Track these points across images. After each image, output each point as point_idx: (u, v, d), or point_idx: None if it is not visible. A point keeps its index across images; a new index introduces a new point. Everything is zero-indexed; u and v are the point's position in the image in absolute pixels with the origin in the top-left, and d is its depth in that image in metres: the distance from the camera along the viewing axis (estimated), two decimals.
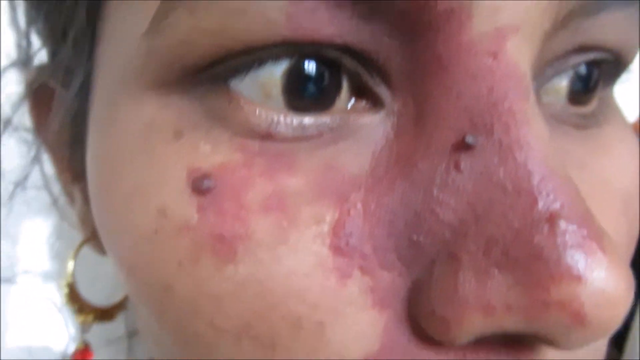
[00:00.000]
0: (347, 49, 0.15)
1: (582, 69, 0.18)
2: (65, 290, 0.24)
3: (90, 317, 0.25)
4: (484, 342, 0.15)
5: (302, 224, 0.15)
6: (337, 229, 0.15)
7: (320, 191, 0.15)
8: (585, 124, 0.19)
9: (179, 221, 0.15)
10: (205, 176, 0.15)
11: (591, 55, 0.18)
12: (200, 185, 0.15)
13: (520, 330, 0.14)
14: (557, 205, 0.13)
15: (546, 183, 0.14)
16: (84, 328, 0.25)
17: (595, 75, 0.19)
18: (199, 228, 0.15)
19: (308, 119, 0.15)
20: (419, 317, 0.15)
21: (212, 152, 0.15)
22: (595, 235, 0.13)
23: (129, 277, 0.16)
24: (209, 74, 0.15)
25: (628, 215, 0.19)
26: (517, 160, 0.14)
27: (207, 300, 0.15)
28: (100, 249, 0.24)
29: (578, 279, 0.13)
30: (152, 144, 0.16)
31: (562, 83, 0.18)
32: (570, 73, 0.18)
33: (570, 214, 0.13)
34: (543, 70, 0.17)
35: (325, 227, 0.15)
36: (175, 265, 0.15)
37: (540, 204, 0.13)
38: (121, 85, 0.17)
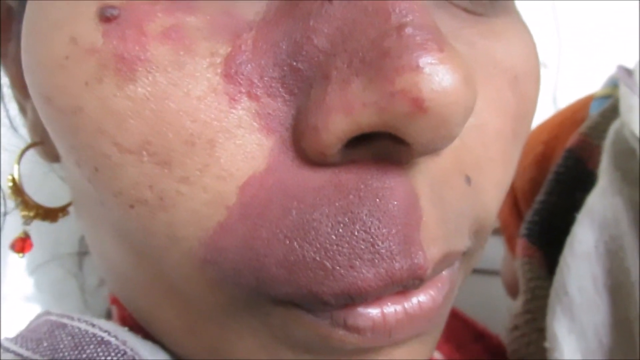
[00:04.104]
0: None
1: None
2: (10, 184, 0.26)
3: (32, 213, 0.26)
4: (356, 163, 0.17)
5: (198, 55, 0.17)
6: (228, 60, 0.17)
7: (217, 30, 0.17)
8: (476, 10, 0.21)
9: (86, 45, 0.17)
10: (111, 7, 0.17)
11: None
12: (105, 13, 0.17)
13: (375, 126, 0.16)
14: (407, 19, 0.16)
15: (400, 2, 0.16)
16: (25, 222, 0.26)
17: None
18: (103, 50, 0.17)
19: None
20: (299, 138, 0.17)
21: None
22: (437, 39, 0.15)
23: (45, 107, 0.18)
24: None
25: (516, 91, 0.21)
26: None
27: (111, 118, 0.17)
28: (46, 154, 0.26)
29: (417, 68, 0.15)
30: None
31: None
32: None
33: (417, 24, 0.15)
34: None
35: (219, 59, 0.17)
36: (82, 85, 0.17)
37: (393, 18, 0.16)
38: None
